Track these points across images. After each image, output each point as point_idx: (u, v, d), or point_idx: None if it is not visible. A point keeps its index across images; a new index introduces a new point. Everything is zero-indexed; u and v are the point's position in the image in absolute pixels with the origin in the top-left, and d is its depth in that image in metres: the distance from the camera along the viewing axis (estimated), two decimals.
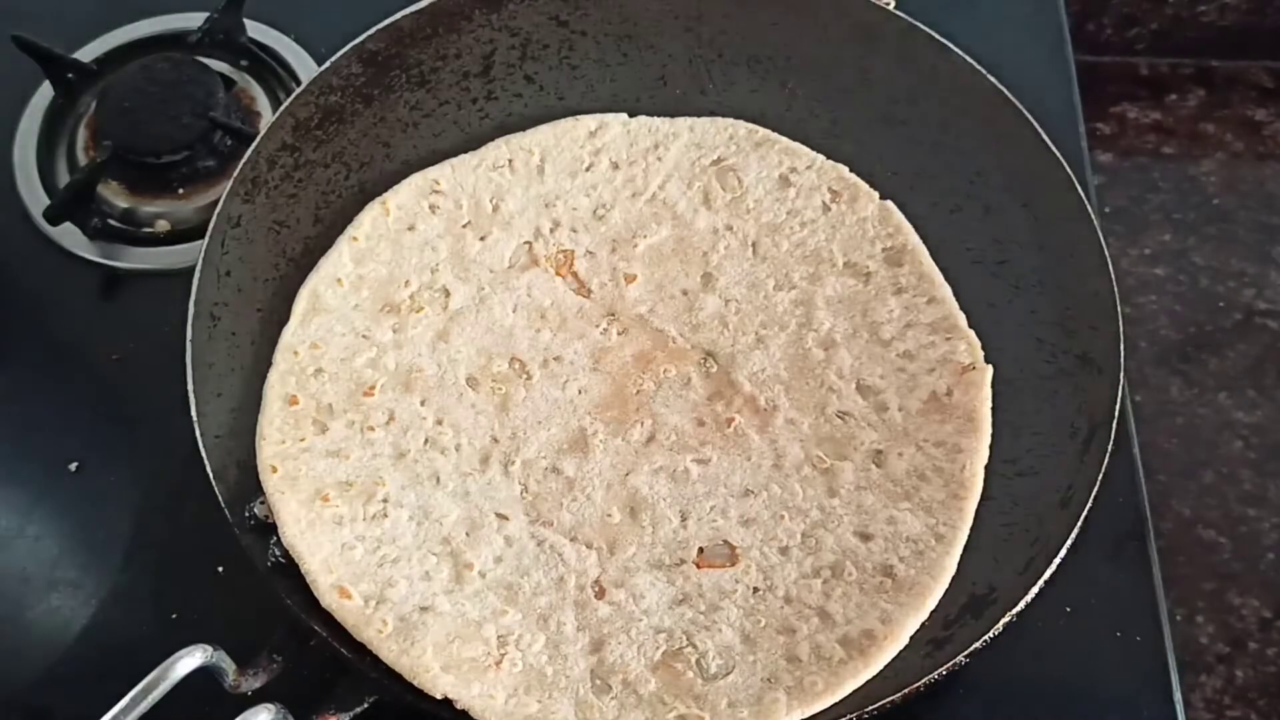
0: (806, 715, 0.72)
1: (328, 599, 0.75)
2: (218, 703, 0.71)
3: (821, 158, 0.93)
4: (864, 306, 0.88)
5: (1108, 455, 0.78)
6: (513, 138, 0.94)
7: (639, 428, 0.84)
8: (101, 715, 0.66)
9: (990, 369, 0.84)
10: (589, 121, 0.94)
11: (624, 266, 0.90)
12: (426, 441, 0.83)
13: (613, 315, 0.89)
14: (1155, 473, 1.49)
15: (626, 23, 0.98)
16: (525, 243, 0.91)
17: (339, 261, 0.88)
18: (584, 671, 0.74)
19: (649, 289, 0.90)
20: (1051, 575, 0.75)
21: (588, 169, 0.93)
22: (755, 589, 0.78)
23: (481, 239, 0.90)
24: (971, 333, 0.85)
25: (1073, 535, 0.76)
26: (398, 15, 0.96)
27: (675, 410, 0.85)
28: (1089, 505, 0.77)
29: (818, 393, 0.85)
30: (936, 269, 0.88)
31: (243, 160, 0.90)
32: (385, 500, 0.80)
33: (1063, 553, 0.75)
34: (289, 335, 0.85)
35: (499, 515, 0.80)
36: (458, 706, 0.72)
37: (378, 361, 0.85)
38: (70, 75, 1.09)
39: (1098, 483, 0.77)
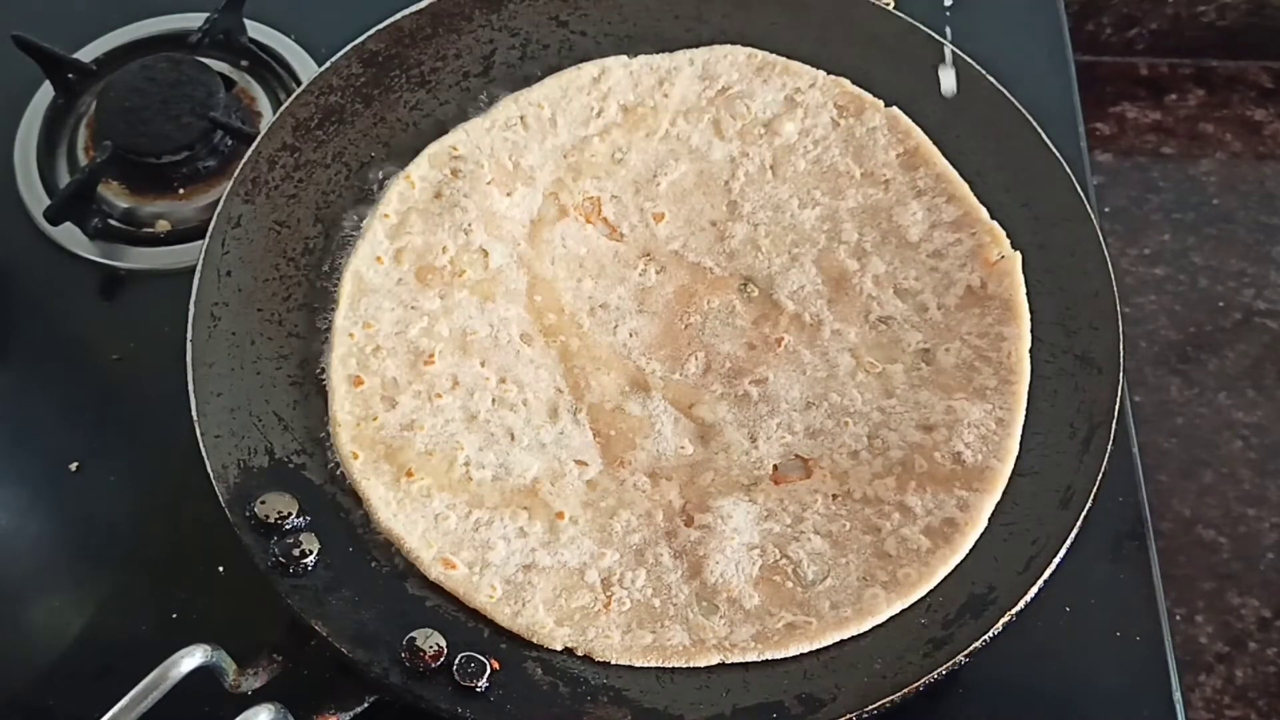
0: (906, 605, 0.75)
1: (434, 572, 0.77)
2: (218, 703, 0.71)
3: (822, 74, 0.94)
4: (888, 213, 0.90)
5: (1107, 455, 0.78)
6: (520, 94, 0.94)
7: (694, 360, 0.86)
8: (101, 715, 0.66)
9: (1019, 255, 0.86)
10: (591, 68, 0.95)
11: (650, 206, 0.92)
12: (494, 401, 0.84)
13: (648, 255, 0.90)
14: (1155, 473, 1.49)
15: (626, 23, 0.98)
16: (551, 195, 0.92)
17: (375, 240, 0.88)
18: (689, 596, 0.77)
19: (678, 225, 0.91)
20: (1051, 575, 0.75)
21: (598, 115, 0.94)
22: (834, 495, 0.80)
23: (508, 196, 0.91)
24: (995, 224, 0.87)
25: (1073, 535, 0.76)
26: (398, 15, 0.96)
27: (725, 339, 0.87)
28: (1089, 505, 0.77)
29: (858, 301, 0.87)
30: (951, 168, 0.90)
31: (243, 160, 0.90)
32: (466, 464, 0.81)
33: (1062, 553, 0.75)
34: (340, 319, 0.85)
35: (578, 462, 0.82)
36: (578, 654, 0.74)
37: (431, 330, 0.86)
38: (70, 75, 1.09)
39: (1097, 483, 0.77)
